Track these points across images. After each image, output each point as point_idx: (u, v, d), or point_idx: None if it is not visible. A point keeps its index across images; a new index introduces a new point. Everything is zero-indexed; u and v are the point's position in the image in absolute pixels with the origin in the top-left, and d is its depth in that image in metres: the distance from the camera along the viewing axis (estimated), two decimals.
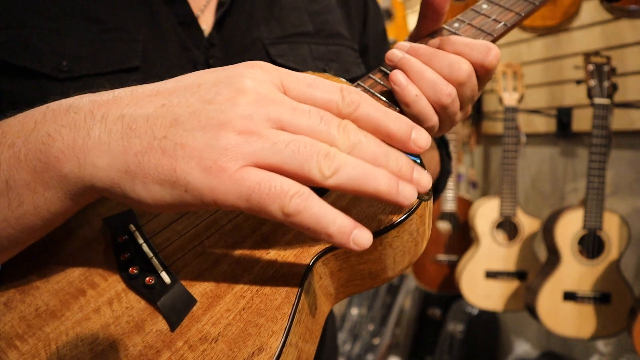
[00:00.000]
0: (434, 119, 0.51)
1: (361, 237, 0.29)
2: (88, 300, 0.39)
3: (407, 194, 0.31)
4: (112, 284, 0.40)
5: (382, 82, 0.55)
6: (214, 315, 0.37)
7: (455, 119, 0.55)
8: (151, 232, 0.44)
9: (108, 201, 0.48)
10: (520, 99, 1.82)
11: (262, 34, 0.66)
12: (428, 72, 0.51)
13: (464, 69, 0.50)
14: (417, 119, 0.51)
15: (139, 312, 0.38)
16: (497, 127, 2.23)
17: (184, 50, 0.62)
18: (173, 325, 0.36)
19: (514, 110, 1.81)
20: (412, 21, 2.53)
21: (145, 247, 0.42)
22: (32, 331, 0.37)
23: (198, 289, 0.39)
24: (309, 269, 0.39)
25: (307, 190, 0.28)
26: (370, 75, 0.56)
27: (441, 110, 0.51)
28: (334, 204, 0.43)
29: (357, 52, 0.75)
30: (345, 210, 0.42)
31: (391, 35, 2.39)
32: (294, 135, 0.29)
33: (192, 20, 0.62)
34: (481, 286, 1.88)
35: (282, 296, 0.37)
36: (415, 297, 2.33)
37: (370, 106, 0.33)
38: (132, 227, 0.44)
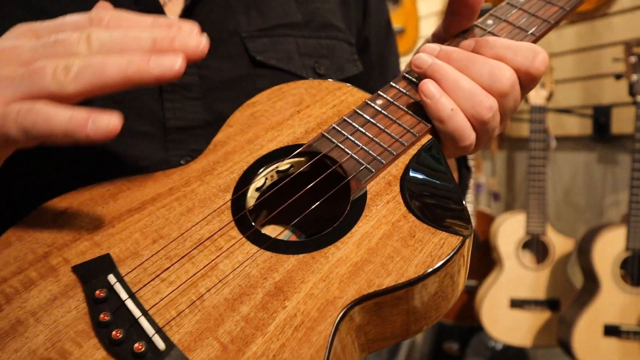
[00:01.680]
0: (471, 136, 0.52)
1: (100, 120, 0.39)
2: None
3: (161, 63, 0.39)
4: (89, 352, 0.39)
5: (408, 93, 0.55)
6: None
7: (493, 135, 0.55)
8: (136, 283, 0.44)
9: (77, 243, 0.47)
10: (549, 97, 1.84)
11: (239, 25, 0.66)
12: (464, 81, 0.50)
13: (507, 77, 0.50)
14: (452, 138, 0.51)
15: None
16: (523, 129, 2.24)
17: None
18: None
19: (541, 109, 1.82)
20: (423, 7, 2.52)
21: (130, 304, 0.42)
22: None
23: (200, 356, 0.39)
24: (336, 326, 0.40)
25: (38, 104, 0.39)
26: (393, 84, 0.57)
27: (480, 126, 0.51)
28: (352, 254, 0.44)
29: (353, 46, 0.75)
30: (371, 251, 0.44)
31: (397, 23, 2.38)
32: (32, 65, 0.40)
33: (155, 8, 0.62)
34: (505, 317, 1.88)
35: None
36: (429, 329, 2.33)
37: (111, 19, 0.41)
38: (112, 277, 0.44)
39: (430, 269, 0.42)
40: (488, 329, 1.92)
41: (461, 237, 0.44)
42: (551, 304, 1.88)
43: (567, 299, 1.87)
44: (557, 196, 2.18)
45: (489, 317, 1.92)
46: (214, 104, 0.63)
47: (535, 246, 1.92)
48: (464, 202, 0.48)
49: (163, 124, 0.61)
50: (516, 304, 1.91)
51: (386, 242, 0.44)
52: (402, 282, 0.42)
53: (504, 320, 1.91)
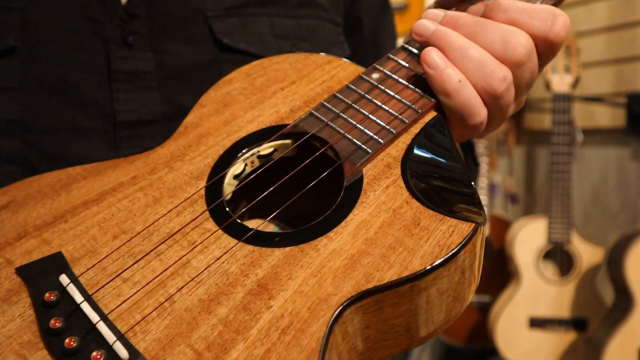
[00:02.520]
0: (482, 112, 0.52)
1: None
2: None
3: None
4: None
5: (408, 65, 0.56)
6: None
7: (507, 112, 0.56)
8: (93, 285, 0.44)
9: (22, 241, 0.47)
10: (575, 83, 1.85)
11: (204, 2, 0.66)
12: (473, 49, 0.51)
13: (522, 44, 0.51)
14: (460, 114, 0.52)
15: None
16: (544, 121, 2.26)
17: (89, 23, 0.62)
18: None
19: (566, 97, 1.84)
20: None
21: (86, 308, 0.42)
22: None
23: None
24: (330, 327, 0.40)
25: None
26: (391, 56, 0.58)
27: (492, 100, 0.52)
28: (347, 245, 0.45)
29: (339, 26, 0.76)
30: (369, 242, 0.44)
31: None
32: None
33: None
34: (524, 338, 1.89)
35: None
36: (436, 351, 2.33)
37: None
38: (65, 278, 0.43)
39: (439, 261, 0.42)
40: (503, 352, 1.92)
41: (473, 224, 0.44)
42: (577, 323, 1.90)
43: (595, 317, 1.88)
44: (585, 198, 2.19)
45: (504, 339, 1.92)
46: (173, 94, 0.63)
47: (559, 256, 1.93)
48: (473, 185, 0.48)
49: (112, 118, 0.61)
50: (536, 323, 1.92)
51: (387, 231, 0.45)
52: (407, 276, 0.42)
53: (522, 343, 1.91)
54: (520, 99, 0.57)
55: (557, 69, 1.85)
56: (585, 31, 2.09)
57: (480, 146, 2.14)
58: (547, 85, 1.87)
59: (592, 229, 2.16)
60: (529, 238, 1.91)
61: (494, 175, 2.31)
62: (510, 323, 1.92)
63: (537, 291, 1.91)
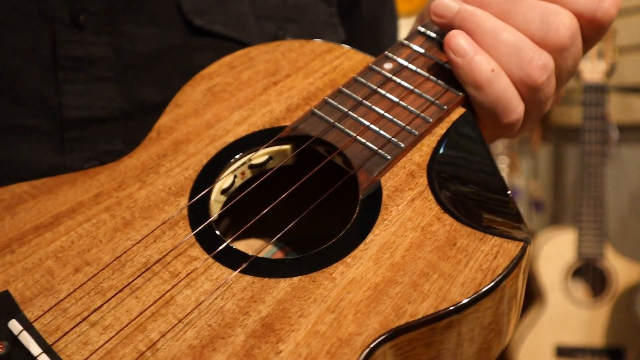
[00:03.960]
0: (518, 108, 0.52)
1: None
2: None
3: None
4: None
5: (427, 53, 0.57)
6: None
7: (545, 108, 0.56)
8: (52, 332, 0.42)
9: None
10: (610, 71, 1.86)
11: None
12: (507, 32, 0.51)
13: (566, 25, 0.51)
14: (492, 110, 0.52)
15: None
16: (574, 116, 2.27)
17: (30, 1, 0.60)
18: None
19: (599, 88, 1.85)
20: None
21: None
22: None
23: None
24: None
25: None
26: (406, 43, 0.58)
27: (530, 93, 0.52)
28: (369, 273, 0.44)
29: (333, 6, 0.76)
30: (395, 268, 0.44)
31: None
32: None
33: None
34: None
35: None
36: None
37: None
38: (16, 324, 0.42)
39: (484, 289, 0.42)
40: None
41: (521, 243, 0.44)
42: (612, 353, 1.91)
43: (634, 346, 1.90)
44: (621, 206, 2.21)
45: None
46: (133, 87, 0.63)
47: (591, 274, 1.95)
48: (510, 194, 0.49)
49: (58, 115, 0.60)
50: (564, 352, 1.92)
51: (416, 254, 0.44)
52: (445, 309, 0.41)
53: None
54: (559, 92, 0.58)
55: (588, 54, 1.86)
56: (623, 10, 2.11)
57: (499, 145, 2.15)
58: (577, 74, 1.88)
59: (629, 242, 2.18)
60: (555, 253, 1.92)
61: (515, 179, 2.31)
62: (533, 352, 1.93)
63: (565, 315, 1.92)
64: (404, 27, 0.91)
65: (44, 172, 0.57)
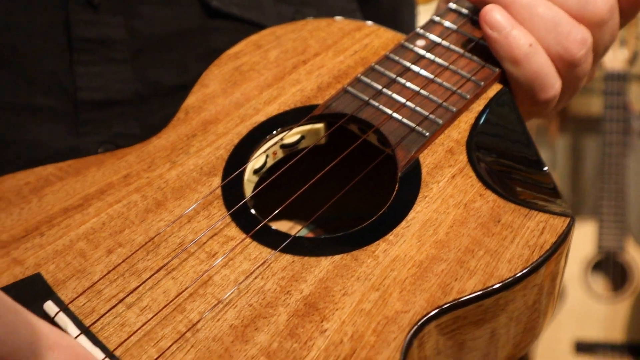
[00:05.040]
0: (555, 84, 0.52)
1: None
2: None
3: None
4: None
5: (461, 30, 0.57)
6: None
7: (580, 85, 0.56)
8: (88, 314, 0.42)
9: None
10: (633, 59, 1.85)
11: None
12: (543, 6, 0.51)
13: None
14: (530, 86, 0.52)
15: None
16: (594, 105, 2.26)
17: None
18: None
19: (621, 77, 1.84)
20: None
21: (85, 342, 0.39)
22: None
23: None
24: (404, 353, 0.39)
25: None
26: (437, 20, 0.58)
27: (567, 69, 0.52)
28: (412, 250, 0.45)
29: None
30: (439, 245, 0.44)
31: None
32: None
33: None
34: None
35: None
36: None
37: None
38: (52, 305, 0.41)
39: (532, 265, 0.42)
40: None
41: (568, 218, 0.44)
42: (634, 349, 1.90)
43: None
44: None
45: None
46: (148, 69, 0.62)
47: (611, 268, 1.94)
48: (548, 172, 0.49)
49: (73, 96, 0.60)
50: (584, 348, 1.92)
51: (460, 231, 0.44)
52: (494, 286, 0.41)
53: None
54: (593, 69, 0.58)
55: None
56: None
57: None
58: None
59: None
60: (574, 246, 1.91)
61: None
62: (552, 347, 1.92)
63: (585, 310, 1.91)
64: (423, 14, 0.91)
65: (57, 154, 0.57)
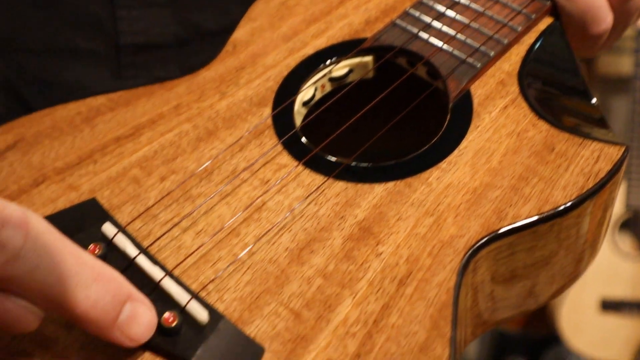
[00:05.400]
0: (607, 18, 0.52)
1: None
2: None
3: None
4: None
5: None
6: None
7: (630, 22, 0.56)
8: (145, 236, 0.43)
9: (40, 188, 0.46)
10: None
11: None
12: None
13: None
14: (582, 19, 0.52)
15: None
16: (623, 64, 2.23)
17: None
18: None
19: None
20: None
21: (144, 262, 0.40)
22: None
23: (262, 329, 0.38)
24: (460, 275, 0.40)
25: None
26: None
27: (619, 2, 0.52)
28: (465, 177, 0.45)
29: None
30: (493, 173, 0.44)
31: None
32: None
33: None
34: (594, 324, 1.90)
35: (425, 327, 0.38)
36: (486, 340, 2.34)
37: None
38: (110, 227, 0.42)
39: (587, 192, 0.42)
40: (569, 339, 1.92)
41: (623, 147, 0.44)
42: None
43: None
44: None
45: (570, 324, 1.92)
46: (188, 13, 0.62)
47: (639, 226, 1.92)
48: (596, 103, 0.50)
49: (115, 40, 0.60)
50: (610, 306, 1.91)
51: (513, 159, 0.45)
52: (548, 212, 0.41)
53: (591, 329, 1.92)
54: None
55: None
56: None
57: None
58: None
59: None
60: None
61: None
62: (577, 306, 1.92)
63: (611, 268, 1.90)
64: None
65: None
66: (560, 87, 0.51)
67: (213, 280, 0.40)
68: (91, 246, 0.41)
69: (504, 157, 0.45)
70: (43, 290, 0.31)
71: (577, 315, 1.91)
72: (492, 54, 0.50)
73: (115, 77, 0.60)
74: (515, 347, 2.32)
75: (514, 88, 0.49)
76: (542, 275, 0.46)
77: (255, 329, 0.38)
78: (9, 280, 0.31)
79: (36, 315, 0.33)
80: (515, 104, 0.48)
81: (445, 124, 0.47)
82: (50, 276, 0.31)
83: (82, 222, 0.43)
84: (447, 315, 0.38)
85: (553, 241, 0.43)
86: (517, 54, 0.51)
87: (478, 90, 0.49)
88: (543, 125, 0.46)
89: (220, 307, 0.39)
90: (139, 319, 0.35)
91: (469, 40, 0.51)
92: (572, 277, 0.49)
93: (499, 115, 0.47)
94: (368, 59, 0.53)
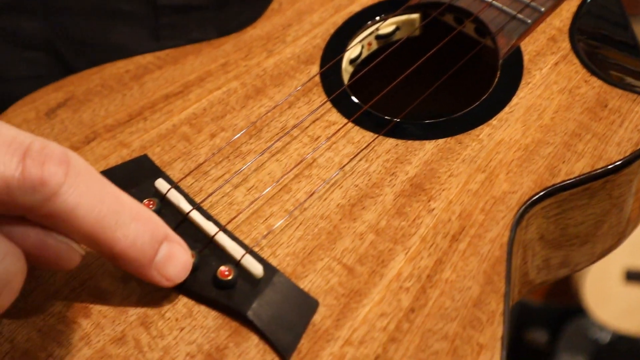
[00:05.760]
0: None
1: None
2: (88, 332, 0.37)
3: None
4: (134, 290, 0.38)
5: None
6: (359, 329, 0.37)
7: None
8: (197, 192, 0.43)
9: (91, 145, 0.46)
10: None
11: None
12: None
13: None
14: None
15: (207, 336, 0.37)
16: None
17: None
18: (284, 354, 0.35)
19: None
20: None
21: (197, 217, 0.41)
22: None
23: (315, 283, 0.39)
24: (513, 231, 0.40)
25: None
26: None
27: None
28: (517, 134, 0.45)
29: None
30: (545, 129, 0.44)
31: None
32: None
33: None
34: (619, 294, 1.89)
35: (479, 282, 0.38)
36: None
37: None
38: (162, 183, 0.42)
39: None
40: (593, 311, 1.92)
41: None
42: None
43: None
44: None
45: (594, 295, 1.92)
46: None
47: None
48: None
49: (153, 1, 0.60)
50: (635, 276, 1.90)
51: (565, 115, 0.44)
52: (602, 168, 0.41)
53: (616, 300, 1.91)
54: None
55: None
56: None
57: None
58: None
59: None
60: None
61: None
62: (601, 276, 1.91)
63: (636, 238, 1.87)
64: None
65: None
66: (612, 42, 0.50)
67: (266, 235, 0.40)
68: (145, 201, 0.41)
69: (556, 113, 0.44)
70: (83, 228, 0.32)
71: (601, 286, 1.91)
72: (542, 9, 0.49)
73: (153, 39, 0.60)
74: (537, 318, 2.32)
75: (565, 44, 0.48)
76: (592, 234, 0.46)
77: (309, 284, 0.38)
78: (50, 217, 0.31)
79: (76, 252, 0.34)
80: (566, 61, 0.47)
81: (495, 81, 0.47)
82: (90, 214, 0.32)
83: (135, 178, 0.43)
84: (500, 271, 0.38)
85: (605, 199, 0.43)
86: (567, 9, 0.50)
87: (529, 47, 0.48)
88: (595, 82, 0.46)
89: (273, 262, 0.39)
90: (175, 259, 0.36)
91: None
92: (620, 237, 0.49)
93: (550, 71, 0.47)
94: (415, 16, 0.53)
